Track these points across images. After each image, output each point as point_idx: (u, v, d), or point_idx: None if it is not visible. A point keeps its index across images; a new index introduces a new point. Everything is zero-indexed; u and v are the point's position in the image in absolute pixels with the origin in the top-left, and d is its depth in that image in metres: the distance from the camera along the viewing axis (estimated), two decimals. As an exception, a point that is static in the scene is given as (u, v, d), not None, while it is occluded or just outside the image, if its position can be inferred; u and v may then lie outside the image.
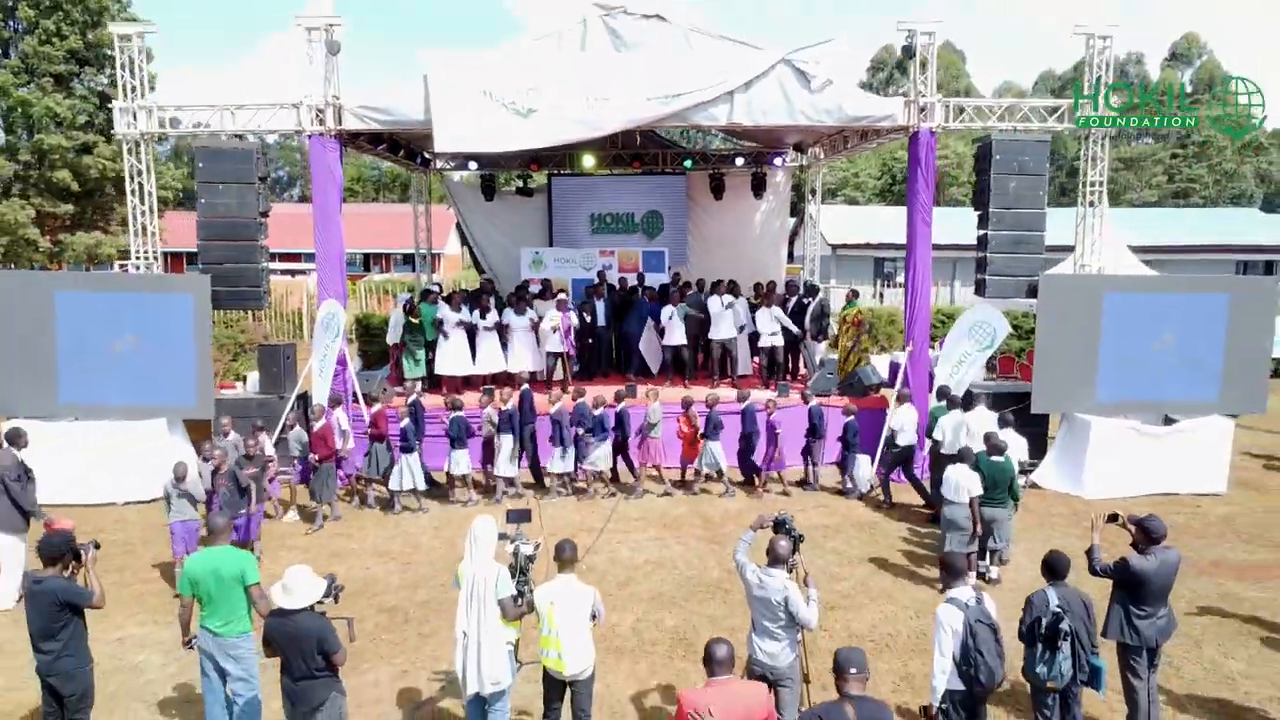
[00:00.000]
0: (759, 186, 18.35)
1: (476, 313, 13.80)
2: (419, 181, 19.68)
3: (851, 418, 12.15)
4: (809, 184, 19.01)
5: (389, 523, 11.15)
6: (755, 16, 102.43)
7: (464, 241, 20.96)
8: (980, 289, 13.00)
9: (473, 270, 23.26)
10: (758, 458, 12.23)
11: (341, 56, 12.27)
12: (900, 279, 22.52)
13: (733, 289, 14.59)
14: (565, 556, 5.63)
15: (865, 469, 12.08)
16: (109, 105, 28.54)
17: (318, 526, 10.89)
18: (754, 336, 14.36)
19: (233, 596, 5.63)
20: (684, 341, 14.17)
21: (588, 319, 14.63)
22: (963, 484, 8.72)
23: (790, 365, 15.05)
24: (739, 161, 18.32)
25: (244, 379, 14.81)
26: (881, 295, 31.28)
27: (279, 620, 5.07)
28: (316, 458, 11.02)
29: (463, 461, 11.64)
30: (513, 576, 5.64)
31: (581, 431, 11.68)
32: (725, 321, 13.93)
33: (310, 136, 12.33)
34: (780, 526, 5.81)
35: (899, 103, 12.72)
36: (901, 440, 11.68)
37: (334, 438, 11.21)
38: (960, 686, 5.17)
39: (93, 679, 5.75)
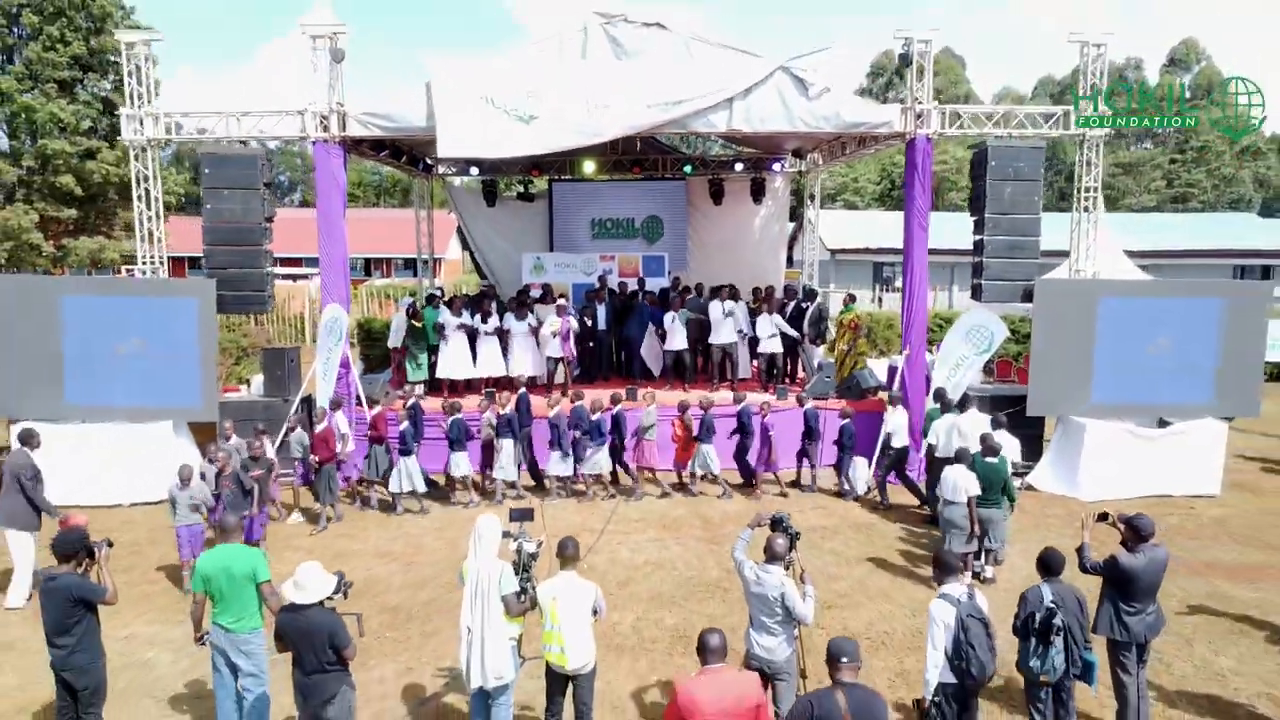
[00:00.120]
0: (758, 192, 18.52)
1: (478, 317, 13.95)
2: (420, 187, 19.84)
3: (847, 420, 12.31)
4: (808, 189, 19.18)
5: (391, 524, 11.29)
6: (756, 18, 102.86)
7: (465, 246, 21.14)
8: (976, 294, 13.16)
9: (474, 275, 23.44)
10: (751, 458, 12.38)
11: (344, 60, 12.42)
12: (899, 283, 22.71)
13: (733, 294, 14.75)
14: (567, 553, 5.77)
15: (862, 471, 12.23)
16: (112, 111, 28.93)
17: (321, 528, 11.03)
18: (753, 341, 14.52)
19: (244, 594, 5.76)
20: (685, 346, 14.33)
21: (589, 323, 14.79)
22: (961, 484, 8.88)
23: (789, 369, 15.20)
24: (738, 167, 18.51)
25: (248, 382, 14.96)
26: (880, 300, 31.46)
27: (291, 615, 5.21)
28: (317, 460, 11.16)
29: (462, 464, 11.78)
30: (516, 574, 5.77)
31: (578, 434, 11.81)
32: (726, 326, 14.09)
33: (315, 143, 12.49)
34: (777, 524, 5.96)
35: (895, 110, 12.88)
36: (896, 443, 11.84)
37: (335, 440, 11.35)
38: (952, 679, 5.30)
39: (105, 674, 5.88)
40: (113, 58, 29.39)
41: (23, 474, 8.57)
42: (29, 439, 8.97)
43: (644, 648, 7.74)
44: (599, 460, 11.95)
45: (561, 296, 15.32)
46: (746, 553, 5.91)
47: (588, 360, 15.20)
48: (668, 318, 14.12)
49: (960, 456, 9.17)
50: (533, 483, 12.69)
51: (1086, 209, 13.38)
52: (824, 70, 12.44)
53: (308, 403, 12.83)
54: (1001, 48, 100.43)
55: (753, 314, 14.51)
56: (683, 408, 12.21)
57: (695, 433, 12.05)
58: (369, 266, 45.96)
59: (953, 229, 23.81)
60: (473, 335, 13.98)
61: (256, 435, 10.52)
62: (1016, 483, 9.82)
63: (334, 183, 12.67)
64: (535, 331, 14.01)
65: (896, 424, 11.90)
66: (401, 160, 16.57)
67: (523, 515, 6.39)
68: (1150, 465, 12.18)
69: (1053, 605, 5.53)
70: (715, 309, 14.13)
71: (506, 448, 11.84)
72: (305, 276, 30.83)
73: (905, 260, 13.20)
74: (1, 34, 28.71)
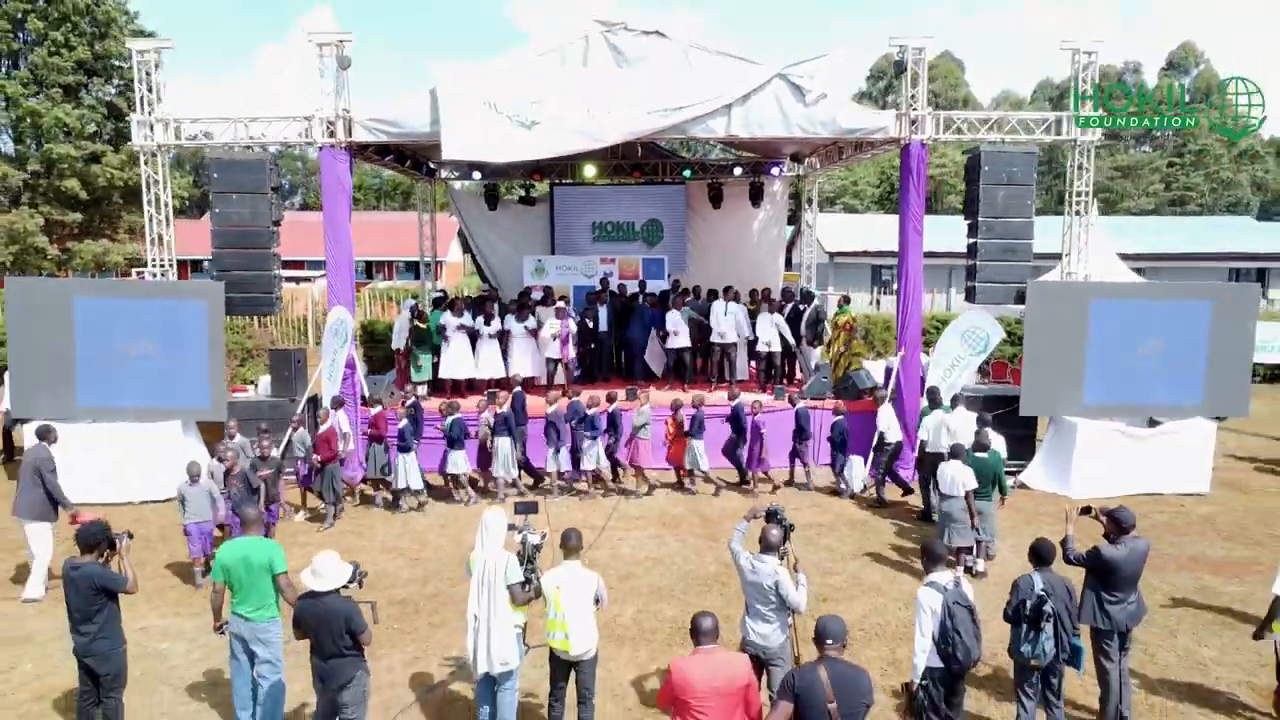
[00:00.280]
0: (757, 195, 18.78)
1: (480, 319, 14.20)
2: (423, 190, 20.10)
3: (841, 417, 12.57)
4: (806, 193, 19.43)
5: (396, 521, 11.53)
6: (757, 19, 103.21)
7: (466, 249, 21.37)
8: (970, 296, 13.39)
9: (474, 277, 23.66)
10: (742, 455, 12.66)
11: (350, 67, 12.65)
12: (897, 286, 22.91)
13: (736, 297, 15.00)
14: (571, 544, 6.01)
15: (858, 469, 12.47)
16: (117, 115, 29.21)
17: (328, 525, 11.26)
18: (750, 342, 14.79)
19: (262, 584, 6.01)
20: (688, 344, 14.61)
21: (590, 325, 15.04)
22: (958, 479, 9.16)
23: (786, 370, 15.45)
24: (737, 171, 18.77)
25: (255, 383, 15.19)
26: (878, 302, 31.72)
27: (309, 602, 5.45)
28: (320, 460, 11.39)
29: (460, 462, 12.02)
30: (521, 564, 6.01)
31: (574, 424, 12.09)
32: (726, 326, 14.36)
33: (321, 148, 12.73)
34: (772, 516, 6.20)
35: (891, 116, 13.13)
36: (889, 439, 12.17)
37: (337, 440, 11.59)
38: (939, 664, 5.54)
39: (126, 660, 6.11)
40: (117, 62, 29.73)
41: (44, 466, 8.85)
42: (46, 434, 9.24)
43: (644, 638, 7.98)
44: (595, 455, 12.21)
45: (562, 299, 15.57)
46: (743, 544, 6.16)
47: (589, 361, 15.45)
48: (670, 316, 14.39)
49: (955, 452, 9.43)
50: (530, 481, 12.92)
51: (1078, 213, 13.61)
52: (821, 77, 12.70)
53: (313, 403, 13.07)
54: (1001, 49, 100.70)
55: (751, 315, 14.76)
56: (675, 406, 12.47)
57: (686, 428, 12.31)
58: (370, 269, 46.18)
59: (951, 232, 23.96)
60: (474, 337, 14.23)
61: (261, 434, 10.75)
62: (1010, 481, 10.06)
63: (340, 187, 12.91)
64: (535, 333, 14.27)
65: (887, 422, 12.17)
66: (405, 164, 16.83)
67: (527, 508, 6.62)
68: (1141, 464, 12.42)
69: (1043, 593, 5.76)
70: (718, 308, 14.41)
71: (503, 446, 12.08)
72: (308, 279, 31.08)
73: (900, 263, 13.44)
74: (7, 39, 29.01)
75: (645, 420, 12.29)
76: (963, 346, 13.15)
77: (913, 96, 12.87)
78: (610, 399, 12.45)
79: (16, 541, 9.94)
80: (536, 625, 6.41)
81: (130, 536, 6.18)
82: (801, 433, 12.56)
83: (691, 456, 12.28)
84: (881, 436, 12.22)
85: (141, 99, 12.81)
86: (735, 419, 12.53)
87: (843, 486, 12.52)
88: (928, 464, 11.00)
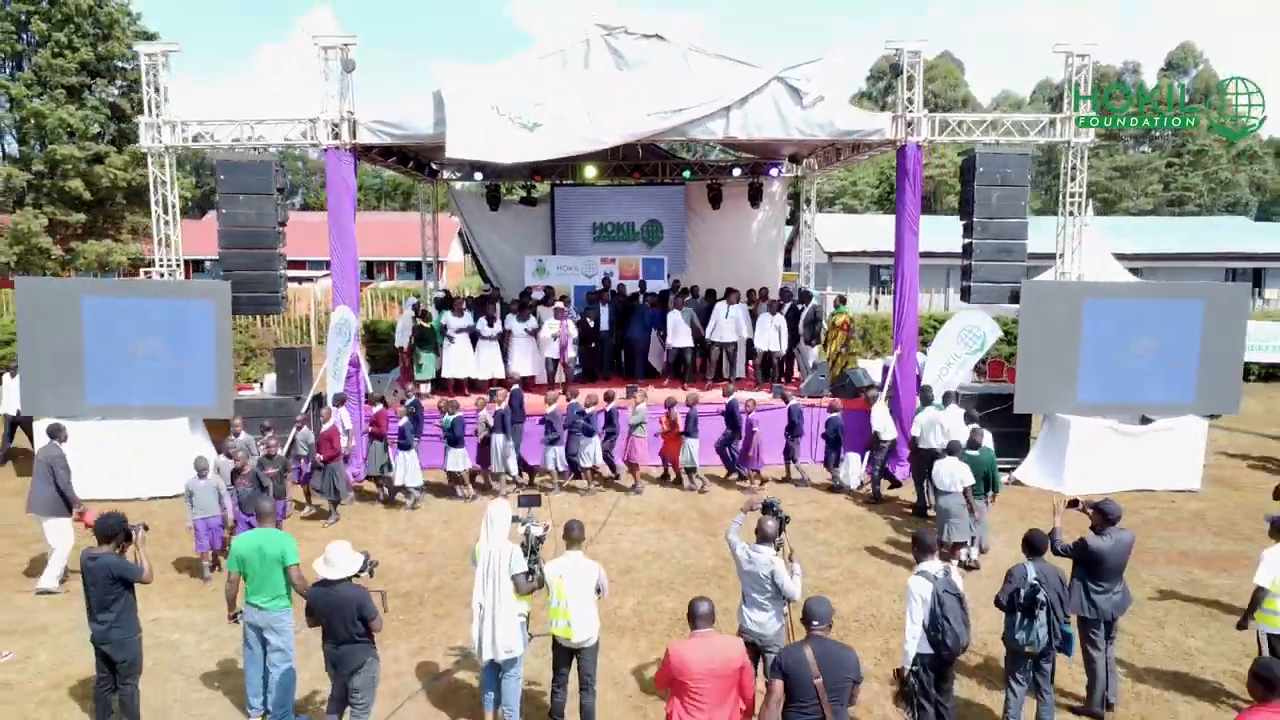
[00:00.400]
0: (756, 196, 18.96)
1: (482, 320, 14.39)
2: (425, 191, 20.29)
3: (835, 414, 12.77)
4: (805, 193, 19.61)
5: (400, 516, 11.72)
6: (757, 19, 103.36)
7: (467, 249, 21.53)
8: (965, 295, 13.57)
9: (475, 277, 23.82)
10: (734, 450, 12.87)
11: (354, 70, 12.83)
12: (895, 285, 23.06)
13: (737, 299, 15.19)
14: (573, 535, 6.20)
15: (855, 466, 12.66)
16: (120, 116, 29.37)
17: (333, 521, 11.45)
18: (749, 342, 14.99)
19: (274, 574, 6.22)
20: (689, 344, 14.81)
21: (592, 324, 15.23)
22: (956, 475, 9.35)
23: (784, 369, 15.64)
24: (736, 172, 18.95)
25: (260, 381, 15.37)
26: (877, 301, 31.89)
27: (322, 590, 5.65)
28: (322, 458, 11.57)
29: (459, 459, 12.21)
30: (524, 555, 6.20)
31: (573, 417, 12.30)
32: (727, 326, 14.56)
33: (326, 150, 12.92)
34: (768, 508, 6.40)
35: (887, 118, 13.32)
36: (884, 437, 12.38)
37: (339, 438, 11.77)
38: (929, 650, 5.73)
39: (141, 648, 6.31)
40: (120, 64, 29.91)
41: (56, 464, 9.03)
42: (57, 433, 9.42)
43: (644, 629, 8.18)
44: (591, 452, 12.41)
45: (562, 299, 15.76)
46: (740, 535, 6.36)
47: (590, 361, 15.64)
48: (672, 315, 14.58)
49: (952, 449, 9.62)
50: (528, 479, 13.11)
51: (1072, 213, 13.80)
52: (818, 80, 12.88)
53: (318, 401, 13.26)
54: (1001, 50, 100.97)
55: (751, 315, 14.95)
56: (669, 404, 12.65)
57: (682, 427, 12.49)
58: (371, 269, 46.41)
59: (949, 232, 24.12)
60: (475, 337, 14.42)
61: (264, 432, 10.92)
62: (1005, 479, 10.24)
63: (345, 189, 13.10)
64: (535, 334, 14.47)
65: (882, 421, 12.37)
66: (408, 165, 17.02)
67: (531, 501, 6.81)
68: (1133, 461, 12.61)
69: (1036, 582, 5.94)
70: (720, 309, 14.63)
71: (500, 443, 12.26)
72: (310, 279, 31.28)
73: (896, 263, 13.62)
74: (11, 40, 29.18)
75: (641, 419, 12.49)
76: (959, 345, 13.35)
77: (909, 99, 13.06)
78: (608, 398, 12.65)
79: (30, 536, 10.16)
80: (540, 615, 6.60)
81: (146, 529, 6.38)
82: (793, 429, 12.75)
83: (687, 455, 12.46)
84: (877, 435, 12.41)
85: (149, 101, 13.01)
86: (730, 415, 12.73)
87: (838, 483, 12.71)
88: (920, 460, 11.20)
